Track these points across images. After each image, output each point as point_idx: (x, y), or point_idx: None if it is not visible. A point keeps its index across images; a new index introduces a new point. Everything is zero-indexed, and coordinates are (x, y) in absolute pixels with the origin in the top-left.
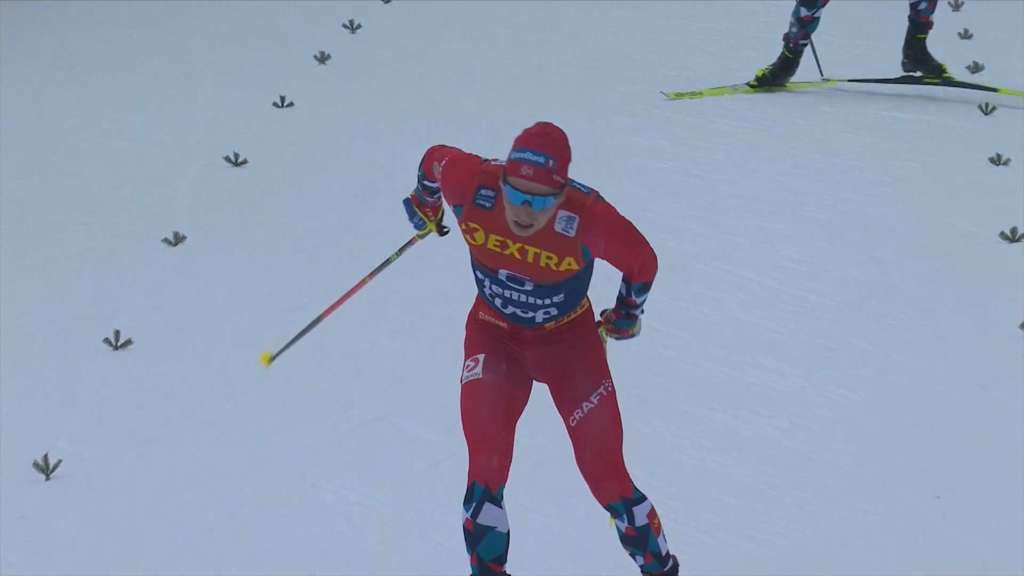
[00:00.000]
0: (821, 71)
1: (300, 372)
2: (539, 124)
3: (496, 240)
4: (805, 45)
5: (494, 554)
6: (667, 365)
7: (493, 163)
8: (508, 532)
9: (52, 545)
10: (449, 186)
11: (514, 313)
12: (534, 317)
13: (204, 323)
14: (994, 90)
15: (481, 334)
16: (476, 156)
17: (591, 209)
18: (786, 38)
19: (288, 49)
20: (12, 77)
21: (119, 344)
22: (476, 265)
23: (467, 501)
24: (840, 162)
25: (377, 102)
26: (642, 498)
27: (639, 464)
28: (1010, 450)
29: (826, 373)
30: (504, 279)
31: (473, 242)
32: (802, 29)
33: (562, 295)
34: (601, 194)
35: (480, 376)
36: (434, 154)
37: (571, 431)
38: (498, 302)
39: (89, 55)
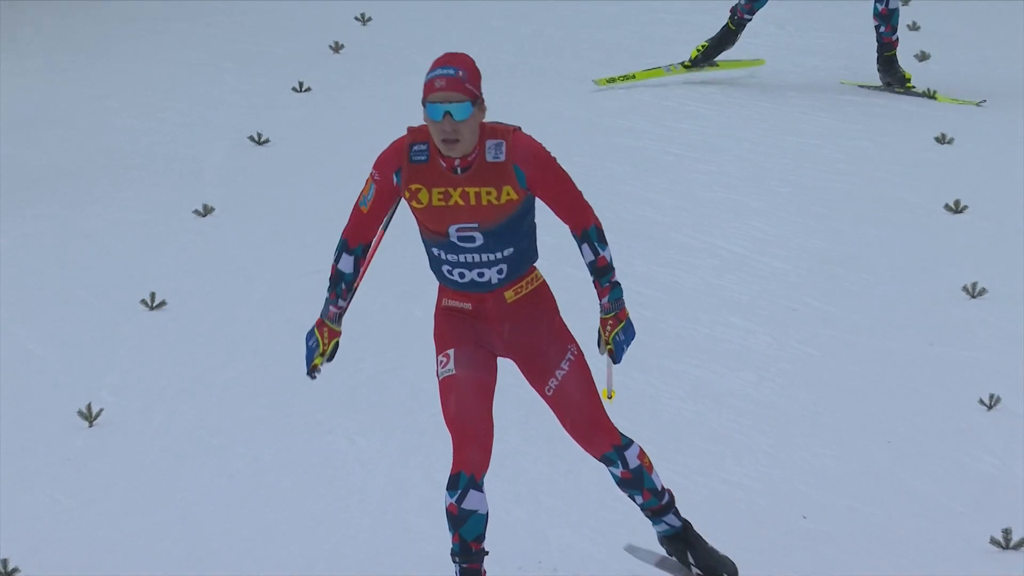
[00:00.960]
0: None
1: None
2: (445, 54)
3: (439, 193)
4: (748, 20)
5: (475, 534)
6: (646, 324)
7: (412, 128)
8: (487, 512)
9: (95, 485)
10: (385, 163)
11: (472, 280)
12: (490, 279)
13: (231, 286)
14: (933, 97)
15: (448, 325)
16: (393, 143)
17: (515, 135)
18: (732, 10)
19: (305, 39)
20: (58, 65)
21: (155, 305)
22: (429, 241)
23: (452, 487)
24: (801, 141)
25: (387, 88)
26: (630, 442)
27: (622, 414)
28: (954, 399)
29: (789, 331)
30: (456, 241)
31: (419, 205)
32: (749, 3)
33: (511, 248)
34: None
35: (454, 372)
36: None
37: (549, 401)
38: (456, 274)
39: (125, 45)
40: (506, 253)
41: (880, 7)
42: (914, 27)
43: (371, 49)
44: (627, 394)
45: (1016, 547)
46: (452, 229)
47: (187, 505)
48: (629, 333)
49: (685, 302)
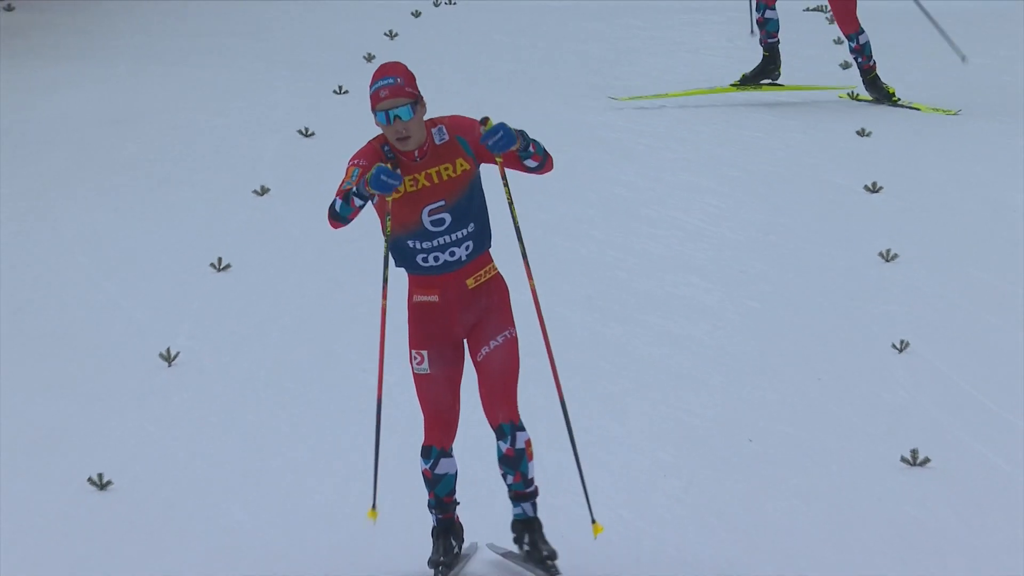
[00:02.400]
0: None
1: (352, 289)
2: (383, 65)
3: (409, 180)
4: (775, 42)
5: (447, 490)
6: (622, 284)
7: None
8: (456, 472)
9: (174, 415)
10: (366, 155)
11: (445, 262)
12: (460, 257)
13: (283, 252)
14: (916, 109)
15: (420, 326)
16: (366, 145)
17: (451, 117)
18: (762, 43)
19: (343, 50)
20: (141, 71)
21: (221, 267)
22: (404, 235)
23: (425, 457)
24: (748, 134)
25: None
26: (523, 428)
27: (602, 357)
28: (872, 344)
29: (737, 289)
30: (429, 226)
31: (397, 195)
32: (763, 30)
33: (473, 224)
34: None
35: (428, 371)
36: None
37: (477, 365)
38: (431, 259)
39: (196, 56)
40: (470, 228)
41: (853, 44)
42: (839, 41)
43: (397, 58)
44: (606, 342)
45: (921, 464)
46: (424, 213)
47: (249, 430)
48: (503, 133)
49: (653, 265)
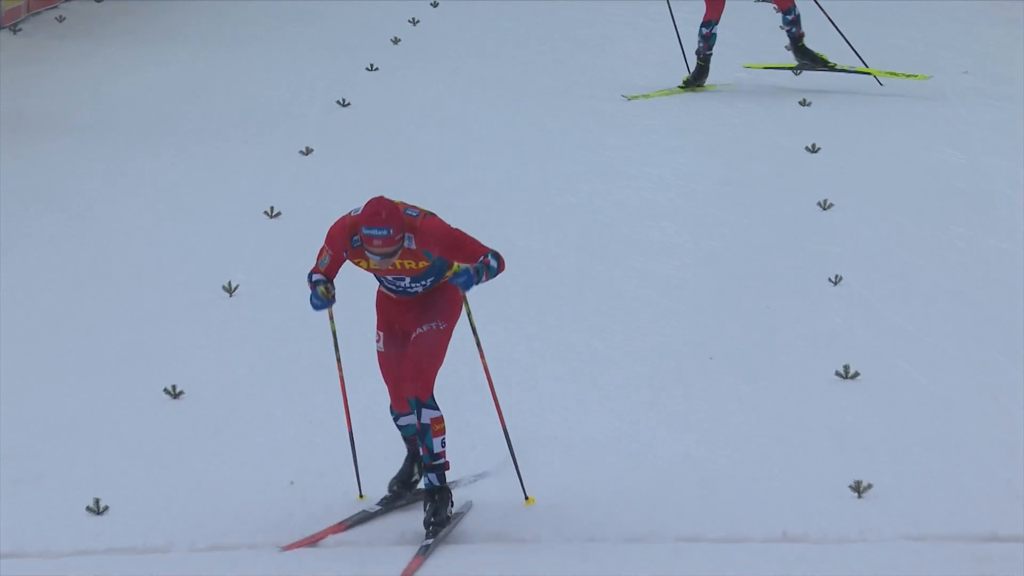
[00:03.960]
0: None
1: None
2: (373, 203)
3: (375, 263)
4: (710, 54)
5: (409, 433)
6: (604, 228)
7: (352, 216)
8: (414, 423)
9: (233, 338)
10: (334, 242)
11: (403, 289)
12: (416, 291)
13: (324, 202)
14: (865, 72)
15: (383, 310)
16: (339, 221)
17: (420, 228)
18: (697, 53)
19: (373, 34)
20: (209, 53)
21: (273, 215)
22: (378, 276)
23: (391, 413)
24: (710, 103)
25: (430, 67)
26: (434, 407)
27: (588, 289)
28: (811, 278)
29: (701, 232)
30: (390, 279)
31: (362, 267)
32: (706, 44)
33: (430, 279)
34: (431, 211)
35: (383, 350)
36: (319, 255)
37: (411, 340)
38: (390, 288)
39: (254, 39)
40: (428, 282)
41: (789, 17)
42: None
43: (419, 42)
44: (591, 277)
45: (852, 378)
46: (388, 277)
47: (296, 351)
48: (467, 277)
49: (630, 213)
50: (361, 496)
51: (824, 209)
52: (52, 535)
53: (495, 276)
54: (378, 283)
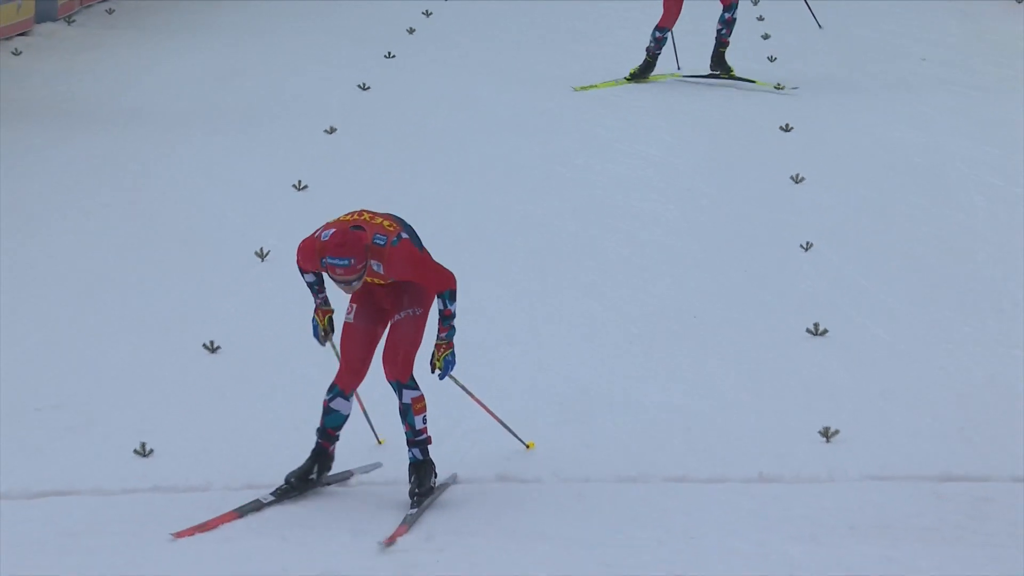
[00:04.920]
0: (679, 65)
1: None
2: (337, 235)
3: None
4: (658, 54)
5: (334, 424)
6: (599, 199)
7: (319, 238)
8: (348, 415)
9: (265, 295)
10: (305, 262)
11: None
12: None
13: (348, 174)
14: (752, 81)
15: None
16: (308, 240)
17: (388, 256)
18: (648, 50)
19: (389, 25)
20: (242, 43)
21: (301, 187)
22: None
23: (329, 392)
24: (693, 89)
25: (441, 55)
26: (414, 387)
27: (585, 254)
28: (785, 243)
29: (685, 202)
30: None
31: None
32: (657, 45)
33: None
34: (401, 234)
35: (352, 321)
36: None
37: (388, 328)
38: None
39: (275, 29)
40: (398, 281)
41: (727, 16)
42: (766, 37)
43: (432, 32)
44: (587, 243)
45: (821, 334)
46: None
47: None
48: (450, 360)
49: (622, 185)
50: (380, 441)
51: (796, 183)
52: (102, 475)
53: (455, 304)
54: None
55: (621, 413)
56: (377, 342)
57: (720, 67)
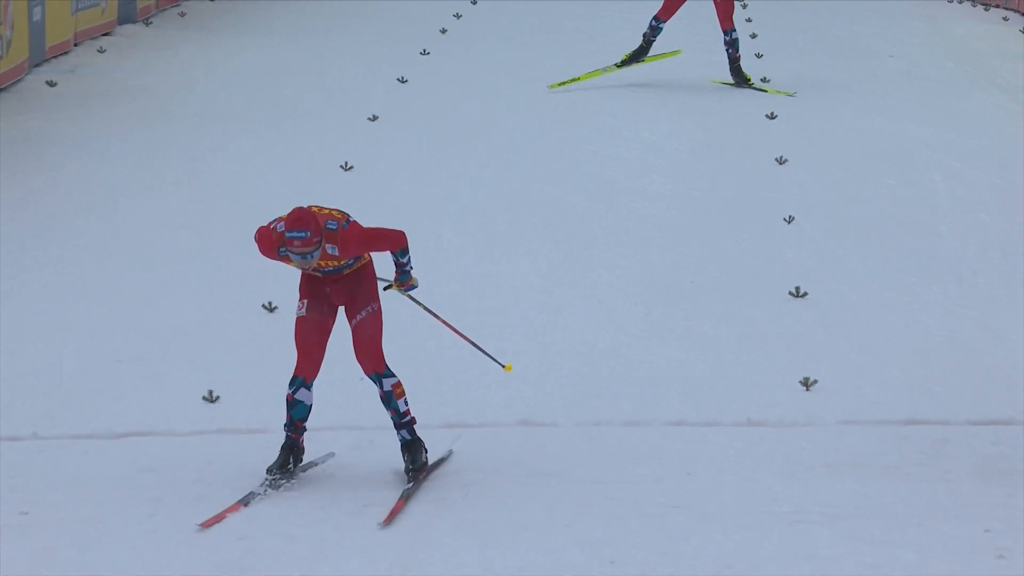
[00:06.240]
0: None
1: (438, 185)
2: (293, 212)
3: (296, 262)
4: (654, 40)
5: (300, 416)
6: (607, 179)
7: (276, 230)
8: (311, 405)
9: None
10: (265, 252)
11: (328, 274)
12: (342, 270)
13: (387, 158)
14: (764, 91)
15: (307, 282)
16: (265, 230)
17: (342, 238)
18: (644, 36)
19: (424, 25)
20: (293, 42)
21: (347, 168)
22: None
23: (291, 385)
24: (688, 79)
25: (471, 54)
26: (391, 375)
27: (594, 227)
28: (769, 220)
29: (683, 179)
30: (320, 272)
31: (291, 266)
32: (651, 32)
33: (351, 261)
34: (349, 219)
35: (305, 314)
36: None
37: (352, 330)
38: (318, 272)
39: (324, 30)
40: (347, 265)
41: (727, 39)
42: (759, 56)
43: (462, 32)
44: (596, 217)
45: (802, 297)
46: (316, 271)
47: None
48: (408, 287)
49: (627, 167)
50: (507, 367)
51: (780, 164)
52: (174, 419)
53: (407, 256)
54: None
55: (626, 365)
56: (328, 332)
57: (738, 77)
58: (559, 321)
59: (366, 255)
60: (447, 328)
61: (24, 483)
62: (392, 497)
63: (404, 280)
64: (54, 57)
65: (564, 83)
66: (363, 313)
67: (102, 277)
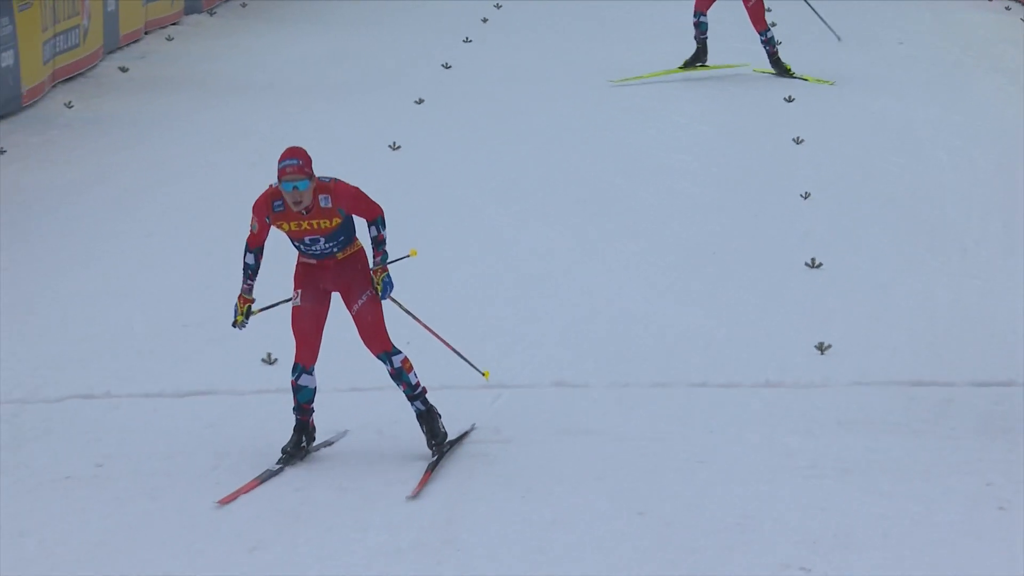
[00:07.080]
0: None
1: (485, 165)
2: (289, 148)
3: (295, 224)
4: (705, 37)
5: (305, 399)
6: (635, 156)
7: (274, 187)
8: (315, 388)
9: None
10: (258, 210)
11: (320, 252)
12: (332, 251)
13: (434, 137)
14: (804, 79)
15: (301, 271)
16: (263, 192)
17: (335, 189)
18: (695, 38)
19: (466, 16)
20: (344, 31)
21: (395, 148)
22: (292, 242)
23: (293, 372)
24: (713, 72)
25: (511, 41)
26: (398, 352)
27: (622, 204)
28: (786, 195)
29: (706, 159)
30: (308, 242)
31: (284, 230)
32: (699, 31)
33: (341, 236)
34: (339, 178)
35: (300, 304)
36: (251, 223)
37: (353, 317)
38: (311, 252)
39: (375, 21)
40: (341, 239)
41: (762, 38)
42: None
43: (502, 22)
44: (624, 194)
45: (817, 267)
46: (306, 239)
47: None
48: (388, 282)
49: (655, 146)
50: (485, 375)
51: (797, 144)
52: (237, 379)
53: (385, 229)
54: (298, 252)
55: (653, 330)
56: (324, 320)
57: (778, 67)
58: (591, 289)
59: (357, 242)
60: (433, 333)
61: (98, 438)
62: (419, 469)
63: (384, 263)
64: (126, 45)
65: (627, 79)
66: (361, 299)
67: (170, 248)
